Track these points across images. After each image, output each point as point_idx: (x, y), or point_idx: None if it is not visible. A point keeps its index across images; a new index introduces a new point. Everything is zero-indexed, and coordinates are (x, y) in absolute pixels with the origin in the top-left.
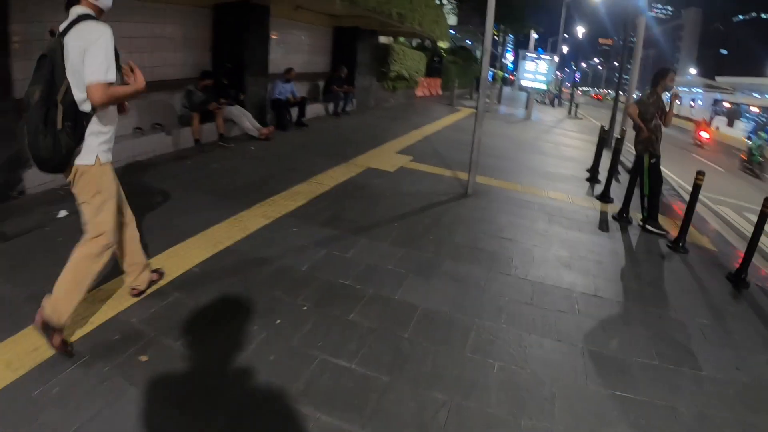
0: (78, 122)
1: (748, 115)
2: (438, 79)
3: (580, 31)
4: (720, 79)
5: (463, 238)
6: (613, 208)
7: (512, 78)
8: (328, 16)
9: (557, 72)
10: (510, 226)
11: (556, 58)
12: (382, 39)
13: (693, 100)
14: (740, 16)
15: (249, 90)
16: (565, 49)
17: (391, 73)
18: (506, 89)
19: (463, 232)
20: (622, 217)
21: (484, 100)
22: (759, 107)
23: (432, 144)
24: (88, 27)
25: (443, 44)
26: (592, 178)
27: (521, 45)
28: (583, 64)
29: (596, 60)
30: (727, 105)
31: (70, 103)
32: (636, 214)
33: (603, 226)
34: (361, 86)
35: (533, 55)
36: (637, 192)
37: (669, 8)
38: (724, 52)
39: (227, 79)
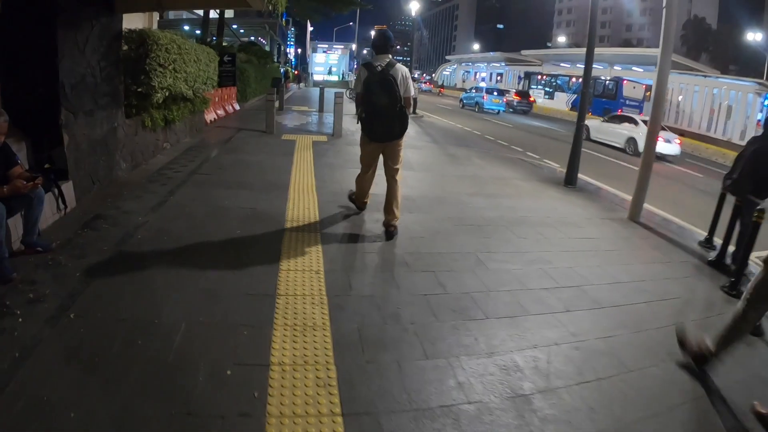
0: (408, 116)
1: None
2: (232, 87)
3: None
4: (527, 53)
5: None
6: None
7: (297, 73)
8: None
9: (353, 60)
10: None
11: (354, 46)
12: (131, 21)
13: (500, 75)
14: None
15: None
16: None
17: (157, 94)
18: (293, 87)
19: None
20: None
21: None
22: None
23: None
24: (402, 67)
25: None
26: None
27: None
28: (365, 51)
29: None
30: (541, 77)
31: (403, 107)
32: None
33: None
34: (87, 140)
35: (324, 45)
36: None
37: None
38: (500, 26)
39: None
